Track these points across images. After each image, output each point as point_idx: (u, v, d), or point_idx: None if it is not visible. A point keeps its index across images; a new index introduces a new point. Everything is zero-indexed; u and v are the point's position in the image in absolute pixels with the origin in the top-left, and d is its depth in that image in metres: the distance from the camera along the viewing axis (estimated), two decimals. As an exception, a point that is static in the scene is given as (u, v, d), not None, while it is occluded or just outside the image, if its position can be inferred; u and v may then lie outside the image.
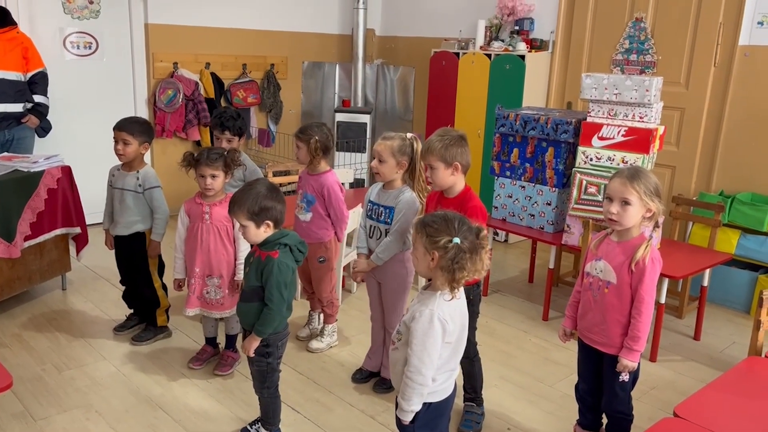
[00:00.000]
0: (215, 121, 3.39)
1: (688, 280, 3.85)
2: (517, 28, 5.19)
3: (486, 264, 1.87)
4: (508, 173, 3.99)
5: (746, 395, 2.13)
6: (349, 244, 3.87)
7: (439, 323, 1.82)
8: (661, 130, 3.43)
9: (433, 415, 1.93)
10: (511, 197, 4.00)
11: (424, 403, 1.90)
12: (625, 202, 2.14)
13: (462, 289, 1.92)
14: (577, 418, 2.52)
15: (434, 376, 1.88)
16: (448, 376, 1.94)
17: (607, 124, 3.41)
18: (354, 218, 3.52)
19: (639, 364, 2.25)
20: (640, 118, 3.35)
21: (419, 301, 1.89)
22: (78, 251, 3.93)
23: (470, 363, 2.70)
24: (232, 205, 2.37)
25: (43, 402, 2.78)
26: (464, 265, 1.80)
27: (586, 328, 2.33)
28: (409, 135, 2.75)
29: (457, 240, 1.80)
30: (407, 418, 1.90)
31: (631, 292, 2.18)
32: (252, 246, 2.48)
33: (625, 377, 2.24)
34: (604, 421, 2.44)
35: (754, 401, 2.09)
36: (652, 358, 3.35)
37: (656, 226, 2.24)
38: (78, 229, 3.87)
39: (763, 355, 2.43)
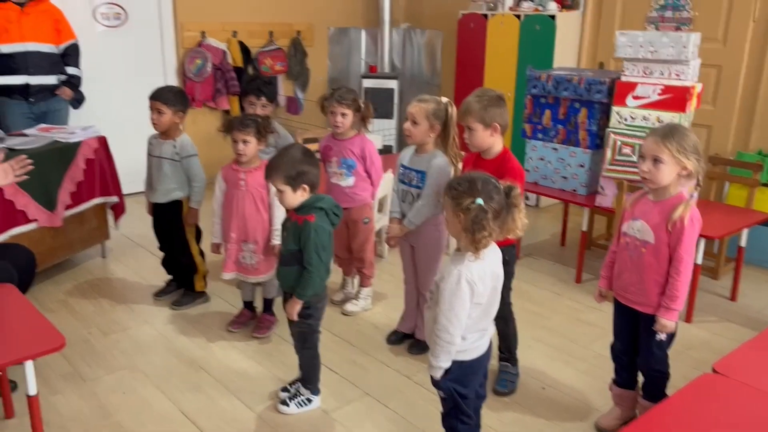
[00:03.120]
0: (251, 86, 3.42)
1: (725, 241, 3.81)
2: (547, -13, 5.07)
3: (521, 223, 1.86)
4: (540, 135, 3.96)
5: (786, 353, 2.12)
6: (379, 210, 3.90)
7: (467, 284, 1.83)
8: (698, 87, 3.35)
9: (465, 372, 1.96)
10: (543, 160, 3.97)
11: (456, 361, 1.93)
12: (657, 160, 2.11)
13: (494, 249, 1.92)
14: (613, 377, 2.53)
15: (464, 335, 1.90)
16: (479, 335, 1.96)
17: (642, 83, 3.34)
18: (383, 184, 3.53)
19: (677, 323, 2.25)
20: (677, 75, 3.28)
21: (451, 261, 1.90)
22: (116, 220, 4.03)
23: (505, 323, 2.72)
24: (269, 170, 2.40)
25: (91, 364, 2.89)
26: (485, 225, 1.79)
27: (622, 288, 2.33)
28: (444, 99, 2.74)
29: (479, 201, 1.79)
30: (437, 375, 1.94)
31: (668, 251, 2.17)
32: (287, 211, 2.52)
33: (662, 336, 2.25)
34: (640, 379, 2.45)
35: (794, 359, 2.08)
36: (688, 319, 3.33)
37: (698, 185, 2.20)
38: (116, 198, 3.96)
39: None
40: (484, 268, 1.89)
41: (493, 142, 2.53)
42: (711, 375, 1.95)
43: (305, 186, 2.38)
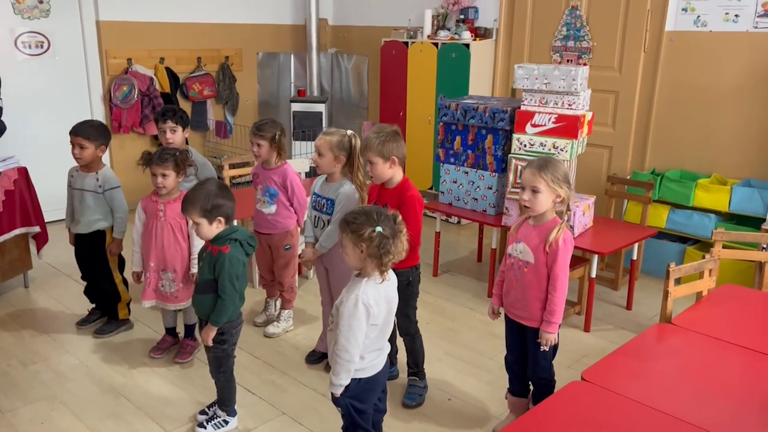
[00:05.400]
0: (157, 115, 3.58)
1: (622, 254, 4.12)
2: (462, 16, 5.37)
3: (404, 246, 2.07)
4: (452, 160, 4.20)
5: (650, 359, 2.37)
6: (302, 232, 4.05)
7: (363, 306, 2.02)
8: (589, 116, 3.66)
9: (363, 389, 2.13)
10: (456, 182, 4.21)
11: (354, 379, 2.10)
12: (535, 190, 2.35)
13: (389, 275, 2.12)
14: (508, 386, 2.75)
15: (363, 355, 2.08)
16: (376, 355, 2.14)
17: (539, 112, 3.63)
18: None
19: (558, 334, 2.49)
20: (569, 105, 3.58)
21: (347, 287, 2.09)
22: (39, 249, 4.03)
23: (411, 340, 2.91)
24: (185, 204, 2.52)
25: (9, 395, 2.92)
26: (389, 249, 2.01)
27: (510, 305, 2.56)
28: (348, 132, 2.94)
29: (379, 228, 2.00)
30: (336, 392, 2.10)
31: (546, 270, 2.41)
32: (205, 241, 2.65)
33: (545, 347, 2.48)
34: (532, 388, 2.68)
35: (656, 363, 2.34)
36: (586, 329, 3.61)
37: (568, 209, 2.45)
38: (37, 228, 3.97)
39: (670, 322, 2.68)
40: (378, 292, 2.08)
41: (393, 173, 2.74)
42: (579, 383, 2.18)
43: (221, 219, 2.52)
